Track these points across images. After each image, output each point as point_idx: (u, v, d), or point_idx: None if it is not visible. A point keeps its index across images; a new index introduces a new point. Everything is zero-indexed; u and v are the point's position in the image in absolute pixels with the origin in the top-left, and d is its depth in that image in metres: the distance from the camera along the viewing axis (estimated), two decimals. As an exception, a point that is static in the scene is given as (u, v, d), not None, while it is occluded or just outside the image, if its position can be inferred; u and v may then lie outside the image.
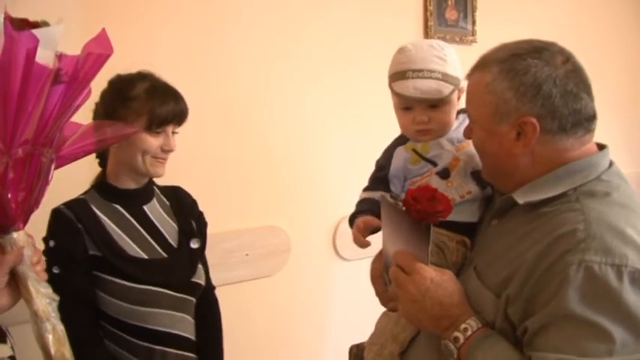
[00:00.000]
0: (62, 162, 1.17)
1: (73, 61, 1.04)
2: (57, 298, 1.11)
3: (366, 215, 1.36)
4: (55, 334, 1.09)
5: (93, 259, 1.43)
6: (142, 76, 1.49)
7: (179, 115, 1.49)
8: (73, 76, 1.04)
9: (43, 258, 1.13)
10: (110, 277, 1.44)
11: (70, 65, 1.03)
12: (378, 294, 1.37)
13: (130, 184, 1.52)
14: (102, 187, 1.53)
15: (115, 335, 1.47)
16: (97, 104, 1.49)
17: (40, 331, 1.08)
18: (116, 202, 1.51)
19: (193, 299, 1.58)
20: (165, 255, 1.53)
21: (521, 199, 1.12)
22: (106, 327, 1.47)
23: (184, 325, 1.55)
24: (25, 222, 1.09)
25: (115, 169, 1.52)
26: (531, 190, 1.12)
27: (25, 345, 1.17)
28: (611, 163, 1.14)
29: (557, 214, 1.06)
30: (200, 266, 1.61)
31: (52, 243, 1.42)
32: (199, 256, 1.63)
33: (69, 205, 1.46)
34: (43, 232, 1.42)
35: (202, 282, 1.61)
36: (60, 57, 1.01)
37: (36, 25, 0.98)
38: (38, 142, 1.05)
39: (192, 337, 1.58)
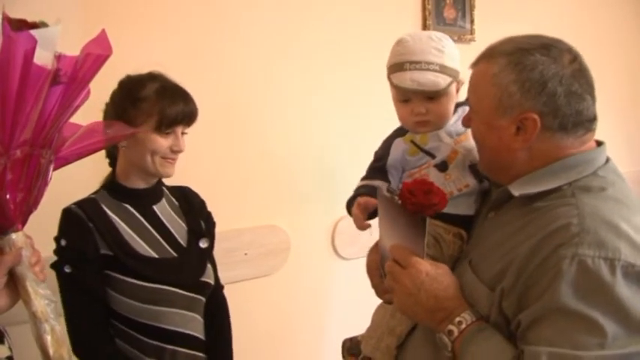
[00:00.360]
0: (61, 163, 1.17)
1: (72, 61, 1.04)
2: (55, 299, 1.11)
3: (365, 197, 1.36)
4: (54, 334, 1.09)
5: (104, 258, 1.44)
6: (152, 77, 1.50)
7: (189, 116, 1.50)
8: (71, 76, 1.04)
9: (49, 258, 1.13)
10: (121, 276, 1.45)
11: (69, 66, 1.03)
12: (374, 285, 1.37)
13: (139, 183, 1.54)
14: (112, 186, 1.54)
15: (126, 334, 1.48)
16: (107, 105, 1.51)
17: (38, 332, 1.08)
18: (126, 201, 1.52)
19: (203, 298, 1.59)
20: (175, 254, 1.54)
21: (516, 191, 1.12)
22: (117, 325, 1.48)
23: (195, 325, 1.56)
24: (24, 223, 1.10)
25: (124, 169, 1.53)
26: (527, 183, 1.12)
27: (24, 346, 1.17)
28: (607, 160, 1.15)
29: (552, 208, 1.06)
30: (209, 265, 1.62)
31: (63, 242, 1.44)
32: (208, 255, 1.64)
33: (80, 204, 1.47)
34: (42, 233, 1.42)
35: (212, 281, 1.62)
36: (59, 57, 1.01)
37: (34, 25, 0.98)
38: (37, 143, 1.05)
39: (202, 336, 1.59)
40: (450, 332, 1.08)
